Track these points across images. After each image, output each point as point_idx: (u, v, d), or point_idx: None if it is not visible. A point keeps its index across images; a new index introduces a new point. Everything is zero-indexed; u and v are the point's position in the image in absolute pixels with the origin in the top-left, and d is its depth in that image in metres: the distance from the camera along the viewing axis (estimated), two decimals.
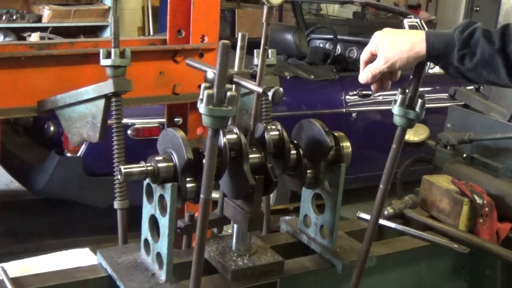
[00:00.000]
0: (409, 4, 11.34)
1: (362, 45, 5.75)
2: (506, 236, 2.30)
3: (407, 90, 1.59)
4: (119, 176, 1.56)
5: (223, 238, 1.85)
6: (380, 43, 1.57)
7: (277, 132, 1.72)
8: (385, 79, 1.62)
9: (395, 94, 1.62)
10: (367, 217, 2.15)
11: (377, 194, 1.69)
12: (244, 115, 2.00)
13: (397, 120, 1.61)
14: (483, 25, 1.49)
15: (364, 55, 1.60)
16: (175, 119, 2.40)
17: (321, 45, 5.93)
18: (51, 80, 2.02)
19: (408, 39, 1.54)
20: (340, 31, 5.90)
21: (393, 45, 1.54)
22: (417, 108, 1.58)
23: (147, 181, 1.61)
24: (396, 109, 1.60)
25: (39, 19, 7.19)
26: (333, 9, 9.91)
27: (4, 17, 6.96)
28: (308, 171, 1.75)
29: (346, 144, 1.79)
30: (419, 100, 1.58)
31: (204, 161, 1.48)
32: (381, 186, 1.68)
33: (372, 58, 1.59)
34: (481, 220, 2.24)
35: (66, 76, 2.04)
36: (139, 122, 3.78)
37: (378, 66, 1.56)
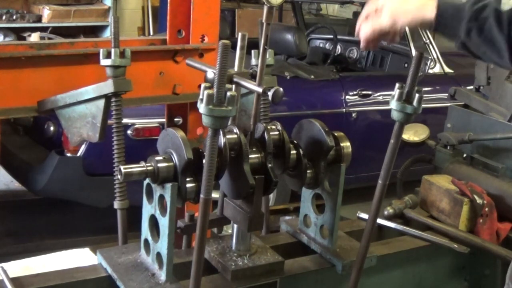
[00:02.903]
0: None
1: None
2: (506, 236, 2.30)
3: (404, 85, 1.60)
4: (119, 176, 1.56)
5: (223, 238, 1.85)
6: (388, 0, 1.54)
7: (277, 132, 1.72)
8: (379, 38, 1.59)
9: None
10: (367, 217, 2.15)
11: (375, 189, 1.70)
12: (242, 116, 2.00)
13: (394, 115, 1.62)
14: (496, 4, 1.46)
15: (368, 9, 1.56)
16: (175, 119, 2.40)
17: (321, 45, 5.92)
18: (51, 80, 2.02)
19: (419, 1, 1.52)
20: (340, 31, 5.90)
21: (401, 3, 1.52)
22: (415, 103, 1.59)
23: (147, 181, 1.61)
24: (393, 104, 1.60)
25: (39, 19, 7.18)
26: (333, 9, 9.91)
27: (4, 17, 6.96)
28: (308, 171, 1.76)
29: (346, 144, 1.79)
30: (416, 95, 1.59)
31: (204, 161, 1.48)
32: (379, 181, 1.69)
33: (375, 13, 1.55)
34: (481, 220, 2.24)
35: (66, 76, 2.04)
36: (139, 122, 3.77)
37: (382, 21, 1.53)
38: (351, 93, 4.65)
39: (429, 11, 1.49)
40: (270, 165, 1.66)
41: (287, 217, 2.57)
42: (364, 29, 1.57)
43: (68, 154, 3.80)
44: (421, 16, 1.50)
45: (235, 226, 1.78)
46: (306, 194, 1.92)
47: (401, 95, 1.59)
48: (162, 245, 1.59)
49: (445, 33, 1.54)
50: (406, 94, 1.59)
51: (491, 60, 1.50)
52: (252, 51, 1.94)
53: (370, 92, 4.66)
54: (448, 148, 2.64)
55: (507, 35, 1.42)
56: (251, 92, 1.83)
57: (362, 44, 1.61)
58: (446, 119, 2.78)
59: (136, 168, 1.56)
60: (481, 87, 2.99)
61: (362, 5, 6.30)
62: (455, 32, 1.49)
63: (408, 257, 2.15)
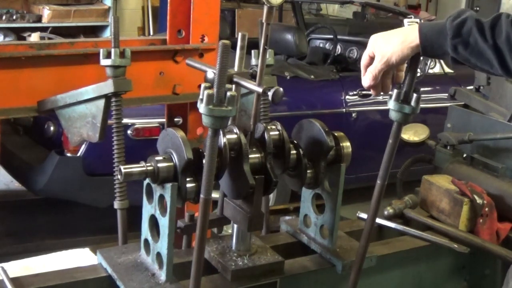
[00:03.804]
0: (409, 4, 11.33)
1: (362, 45, 5.74)
2: (506, 236, 2.30)
3: (402, 85, 1.60)
4: (119, 176, 1.56)
5: (223, 238, 1.85)
6: (375, 44, 1.58)
7: (277, 132, 1.72)
8: (386, 80, 1.62)
9: None
10: (367, 216, 2.15)
11: (374, 189, 1.70)
12: (242, 116, 2.00)
13: (392, 115, 1.62)
14: (476, 15, 1.48)
15: (364, 60, 1.61)
16: (175, 119, 2.40)
17: (321, 45, 5.92)
18: (51, 80, 2.02)
19: (400, 32, 1.56)
20: (340, 31, 5.88)
21: (387, 41, 1.56)
22: (412, 103, 1.59)
23: (147, 181, 1.61)
24: (391, 104, 1.60)
25: (39, 19, 7.18)
26: (333, 9, 9.90)
27: (4, 17, 6.95)
28: (308, 171, 1.75)
29: (346, 144, 1.79)
30: (414, 95, 1.59)
31: (204, 161, 1.48)
32: (378, 181, 1.69)
33: (371, 61, 1.59)
34: (481, 220, 2.24)
35: (66, 76, 2.04)
36: (139, 122, 3.77)
37: (377, 65, 1.57)
38: (351, 93, 4.65)
39: (414, 38, 1.52)
40: (270, 165, 1.66)
41: (287, 217, 2.57)
42: (366, 79, 1.60)
43: (68, 154, 3.80)
44: (408, 45, 1.53)
45: (235, 226, 1.78)
46: (306, 194, 1.92)
47: (399, 95, 1.59)
48: (162, 245, 1.59)
49: (435, 54, 1.58)
50: (404, 94, 1.59)
51: (483, 70, 1.53)
52: (252, 51, 1.94)
53: (370, 92, 4.65)
54: (448, 148, 2.64)
55: (492, 44, 1.44)
56: (251, 92, 1.83)
57: (372, 92, 1.64)
58: (446, 119, 2.78)
59: (136, 168, 1.56)
60: (481, 87, 2.99)
61: (362, 5, 6.31)
62: (443, 50, 1.52)
63: (408, 257, 2.15)
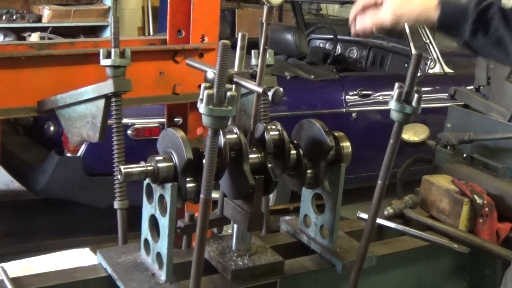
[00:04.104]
0: None
1: (362, 45, 5.75)
2: (506, 236, 2.30)
3: (403, 85, 1.60)
4: (119, 176, 1.56)
5: (223, 238, 1.85)
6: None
7: (277, 132, 1.72)
8: (376, 31, 1.58)
9: None
10: (367, 217, 2.15)
11: (375, 189, 1.70)
12: (242, 116, 2.00)
13: (394, 115, 1.62)
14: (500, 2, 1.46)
15: (364, 0, 1.53)
16: (175, 119, 2.40)
17: (321, 45, 5.92)
18: (51, 80, 2.02)
19: (422, 1, 1.50)
20: (340, 31, 5.89)
21: (405, 2, 1.49)
22: (414, 103, 1.59)
23: (147, 181, 1.61)
24: (392, 104, 1.60)
25: (39, 19, 7.18)
26: (333, 9, 9.91)
27: (4, 17, 6.96)
28: (308, 171, 1.75)
29: (346, 144, 1.79)
30: (415, 95, 1.59)
31: (204, 161, 1.48)
32: (379, 181, 1.69)
33: (373, 4, 1.52)
34: (481, 220, 2.24)
35: (66, 76, 2.04)
36: (139, 122, 3.77)
37: (384, 18, 1.50)
38: (351, 93, 4.65)
39: (433, 12, 1.48)
40: (270, 165, 1.66)
41: (287, 217, 2.58)
42: (363, 22, 1.53)
43: (68, 154, 3.80)
44: (424, 17, 1.49)
45: (235, 226, 1.78)
46: (306, 194, 1.92)
47: (400, 95, 1.59)
48: (162, 245, 1.59)
49: (448, 33, 1.53)
50: (405, 94, 1.59)
51: (495, 58, 1.50)
52: (252, 51, 1.94)
53: (370, 92, 4.65)
54: (448, 148, 2.64)
55: None
56: (251, 92, 1.83)
57: (353, 32, 1.58)
58: (446, 119, 2.78)
59: (136, 168, 1.56)
60: (481, 87, 2.99)
61: None
62: (458, 33, 1.48)
63: (408, 257, 2.15)
